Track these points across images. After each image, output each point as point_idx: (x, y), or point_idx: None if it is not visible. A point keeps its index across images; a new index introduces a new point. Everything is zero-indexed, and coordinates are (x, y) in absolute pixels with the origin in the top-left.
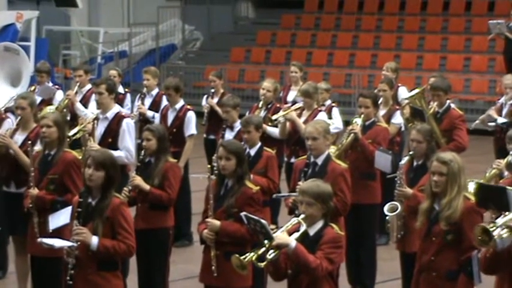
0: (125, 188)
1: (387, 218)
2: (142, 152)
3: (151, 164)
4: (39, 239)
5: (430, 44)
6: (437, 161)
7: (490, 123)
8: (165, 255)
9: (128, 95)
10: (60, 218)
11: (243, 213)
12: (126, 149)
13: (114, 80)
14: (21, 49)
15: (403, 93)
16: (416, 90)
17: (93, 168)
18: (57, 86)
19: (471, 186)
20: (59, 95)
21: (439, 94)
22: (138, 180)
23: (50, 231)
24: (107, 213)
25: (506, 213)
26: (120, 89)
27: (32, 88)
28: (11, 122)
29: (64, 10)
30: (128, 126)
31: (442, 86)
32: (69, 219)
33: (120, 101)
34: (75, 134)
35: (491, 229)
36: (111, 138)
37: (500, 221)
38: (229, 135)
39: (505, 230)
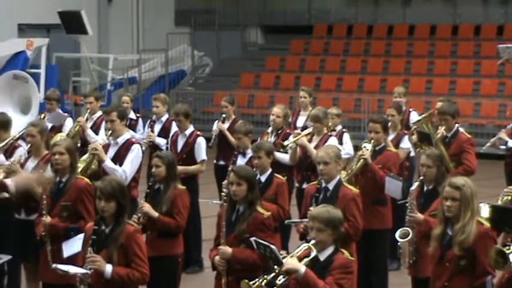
0: (135, 216)
1: (399, 243)
2: (152, 179)
3: (161, 190)
4: (53, 265)
5: (439, 68)
6: (449, 186)
7: (502, 146)
8: (175, 283)
9: (140, 120)
10: (74, 245)
11: (252, 239)
12: (124, 169)
13: (125, 106)
14: (29, 77)
15: (415, 117)
16: (424, 115)
17: (104, 200)
18: (67, 113)
19: (484, 211)
20: (69, 122)
21: (447, 118)
22: (147, 208)
23: (64, 258)
24: (121, 241)
25: None
26: (132, 115)
27: (42, 115)
28: (23, 149)
29: (74, 37)
30: (134, 151)
31: (449, 110)
32: (82, 247)
33: (132, 126)
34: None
35: (507, 251)
36: (119, 163)
37: None
38: (241, 161)
39: None
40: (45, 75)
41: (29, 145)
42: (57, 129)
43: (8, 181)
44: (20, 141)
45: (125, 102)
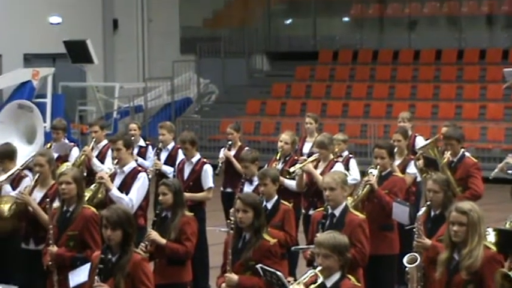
0: (142, 244)
1: (407, 269)
2: (159, 207)
3: (168, 218)
4: None
5: (445, 93)
6: (456, 211)
7: (509, 171)
8: None
9: (150, 148)
10: (81, 274)
11: (258, 266)
12: (130, 198)
13: (132, 134)
14: (34, 106)
15: (420, 142)
16: (429, 140)
17: (110, 228)
18: (73, 143)
19: (490, 235)
20: (75, 152)
21: (453, 143)
22: (154, 235)
23: None
24: (128, 269)
25: None
26: (141, 142)
27: (49, 145)
28: (29, 179)
29: (80, 66)
30: (140, 179)
31: (454, 135)
32: (88, 276)
33: (142, 154)
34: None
35: None
36: (125, 191)
37: None
38: (248, 188)
39: None
40: (51, 104)
41: (37, 175)
42: (63, 158)
43: None
44: (26, 171)
45: (132, 129)
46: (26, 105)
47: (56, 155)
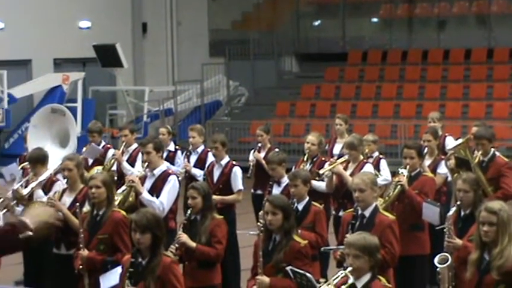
0: (172, 246)
1: (438, 269)
2: (189, 210)
3: (197, 221)
4: None
5: (475, 92)
6: (486, 211)
7: None
8: None
9: (179, 152)
10: (112, 278)
11: (288, 268)
12: (161, 201)
13: (162, 138)
14: (67, 110)
15: (450, 142)
16: (461, 140)
17: (139, 232)
18: (109, 145)
19: None
20: (111, 154)
21: (483, 143)
22: (185, 238)
23: None
24: (158, 273)
25: None
26: (171, 147)
27: (84, 149)
28: (60, 183)
29: (110, 70)
30: (171, 182)
31: (486, 134)
32: (119, 279)
33: (170, 158)
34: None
35: None
36: (155, 195)
37: None
38: (276, 190)
39: None
40: (82, 109)
41: (66, 179)
42: (99, 162)
43: (27, 219)
44: (57, 176)
45: (161, 133)
46: (59, 109)
47: (91, 160)
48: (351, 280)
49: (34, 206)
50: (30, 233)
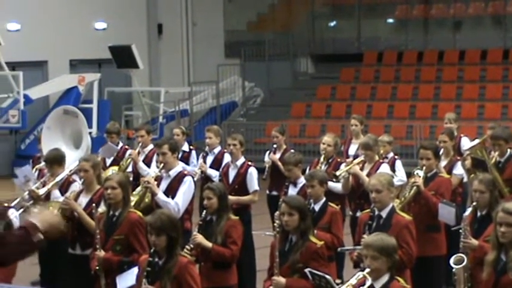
0: (187, 247)
1: (454, 270)
2: (204, 211)
3: (213, 221)
4: None
5: (490, 92)
6: (503, 212)
7: None
8: None
9: (193, 153)
10: (128, 278)
11: (307, 269)
12: (176, 202)
13: (176, 139)
14: (79, 112)
15: (466, 143)
16: (477, 141)
17: (155, 234)
18: (127, 146)
19: None
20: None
21: (500, 143)
22: (200, 238)
23: None
24: (175, 273)
25: None
26: (185, 147)
27: (101, 149)
28: (77, 184)
29: (125, 71)
30: (186, 183)
31: (502, 135)
32: (136, 280)
33: (185, 159)
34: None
35: None
36: (171, 195)
37: None
38: (292, 191)
39: None
40: (98, 110)
41: (82, 180)
42: (117, 162)
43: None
44: (74, 176)
45: (176, 134)
46: (72, 110)
47: (109, 160)
48: (369, 281)
49: (49, 205)
50: (41, 236)
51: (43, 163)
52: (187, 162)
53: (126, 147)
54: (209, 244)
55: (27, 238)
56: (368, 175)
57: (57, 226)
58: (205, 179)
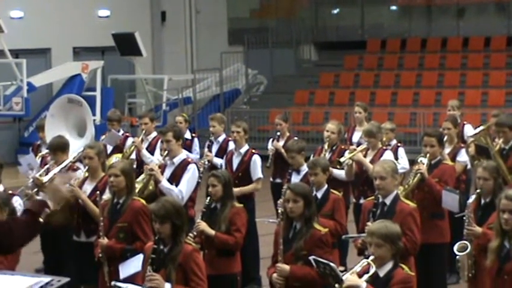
0: (190, 234)
1: (457, 257)
2: (208, 198)
3: (217, 209)
4: (112, 283)
5: (494, 80)
6: (506, 199)
7: None
8: None
9: (196, 140)
10: (131, 266)
11: (311, 257)
12: (180, 189)
13: (180, 126)
14: (83, 100)
15: (469, 130)
16: (481, 128)
17: (159, 222)
18: (128, 133)
19: None
20: (130, 142)
21: (505, 130)
22: (203, 226)
23: (121, 279)
24: (180, 260)
25: None
26: (187, 135)
27: (103, 137)
28: (81, 172)
29: (128, 59)
30: (190, 171)
31: (507, 122)
32: (141, 267)
33: (187, 146)
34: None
35: None
36: (175, 183)
37: None
38: (295, 178)
39: None
40: (101, 97)
41: (87, 167)
42: (119, 149)
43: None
44: (77, 164)
45: (178, 122)
46: (75, 99)
47: (111, 148)
48: (373, 269)
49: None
50: (48, 211)
51: (46, 150)
52: (189, 149)
53: (127, 134)
54: (212, 232)
55: (32, 221)
56: (371, 162)
57: (63, 193)
58: (211, 167)
